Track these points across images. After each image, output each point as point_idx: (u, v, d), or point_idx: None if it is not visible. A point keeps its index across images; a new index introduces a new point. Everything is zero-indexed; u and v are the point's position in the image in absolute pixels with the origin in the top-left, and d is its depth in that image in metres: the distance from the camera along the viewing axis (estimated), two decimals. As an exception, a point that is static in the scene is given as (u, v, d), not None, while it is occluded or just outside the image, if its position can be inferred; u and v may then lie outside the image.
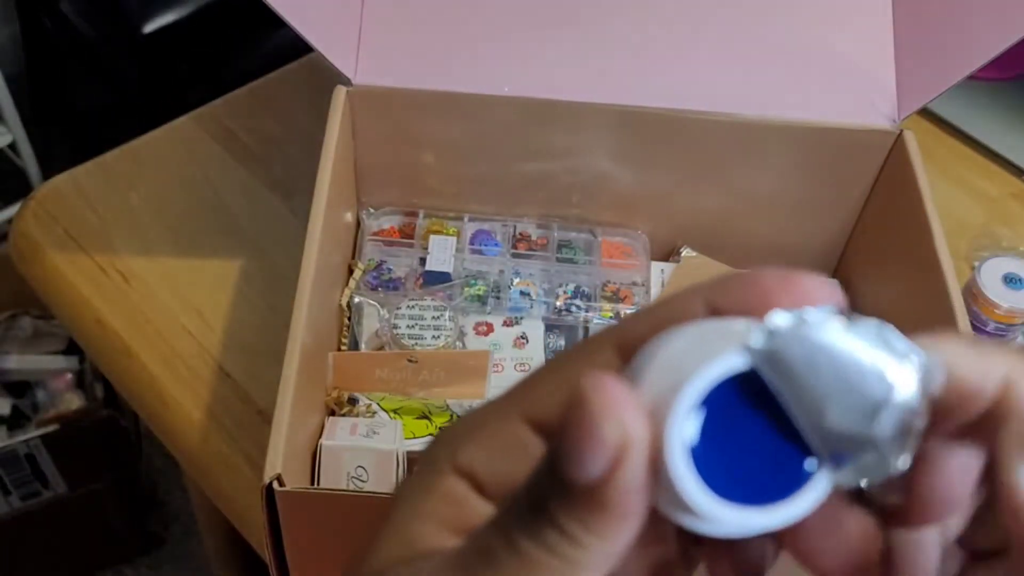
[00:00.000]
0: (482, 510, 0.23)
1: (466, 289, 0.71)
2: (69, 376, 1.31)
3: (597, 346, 0.23)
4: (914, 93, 0.66)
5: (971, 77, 0.63)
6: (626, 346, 0.23)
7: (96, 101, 1.12)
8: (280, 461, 0.49)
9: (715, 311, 0.22)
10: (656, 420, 0.20)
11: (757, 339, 0.21)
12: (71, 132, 1.18)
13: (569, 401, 0.20)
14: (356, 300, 0.69)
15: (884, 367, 0.21)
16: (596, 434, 0.20)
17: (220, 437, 0.67)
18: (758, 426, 0.21)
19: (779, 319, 0.21)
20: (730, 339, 0.21)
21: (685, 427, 0.20)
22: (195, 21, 1.02)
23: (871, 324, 0.21)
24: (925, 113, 0.86)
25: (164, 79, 1.04)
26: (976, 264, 0.70)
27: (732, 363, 0.21)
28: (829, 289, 0.22)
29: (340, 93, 0.66)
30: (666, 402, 0.20)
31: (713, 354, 0.21)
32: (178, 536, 1.42)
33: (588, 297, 0.71)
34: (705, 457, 0.21)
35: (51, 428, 1.24)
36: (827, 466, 0.21)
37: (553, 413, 0.23)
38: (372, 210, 0.74)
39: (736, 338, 0.21)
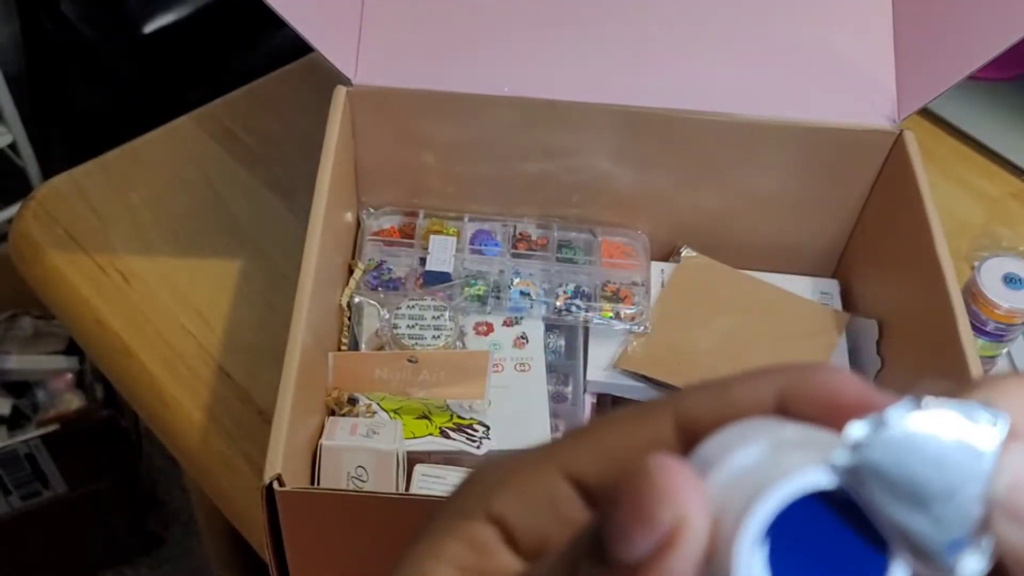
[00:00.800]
0: (508, 563, 0.22)
1: (466, 289, 0.71)
2: (69, 376, 1.31)
3: (655, 414, 0.22)
4: (914, 93, 0.66)
5: (971, 77, 0.63)
6: (685, 422, 0.22)
7: (96, 101, 1.12)
8: (280, 461, 0.49)
9: (783, 407, 0.21)
10: (721, 525, 0.20)
11: (842, 456, 0.20)
12: (71, 132, 1.18)
13: (628, 470, 0.19)
14: (356, 300, 0.69)
15: (976, 444, 0.20)
16: (651, 512, 0.18)
17: (220, 437, 0.67)
18: (833, 542, 0.20)
19: (858, 430, 0.20)
20: (809, 452, 0.20)
21: (756, 543, 0.20)
22: (195, 21, 1.02)
23: (946, 405, 0.20)
24: (925, 113, 0.86)
25: (164, 79, 1.04)
26: (976, 264, 0.70)
27: (811, 479, 0.20)
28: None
29: (340, 93, 0.66)
30: (735, 512, 0.20)
31: (791, 468, 0.20)
32: (178, 536, 1.42)
33: (588, 297, 0.71)
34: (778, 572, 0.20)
35: (51, 428, 1.24)
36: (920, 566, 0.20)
37: (596, 474, 0.22)
38: (372, 210, 0.74)
39: (815, 451, 0.20)
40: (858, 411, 0.20)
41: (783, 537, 0.20)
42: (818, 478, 0.20)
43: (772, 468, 0.20)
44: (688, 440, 0.21)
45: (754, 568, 0.19)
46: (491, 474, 0.23)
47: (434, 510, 0.24)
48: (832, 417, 0.21)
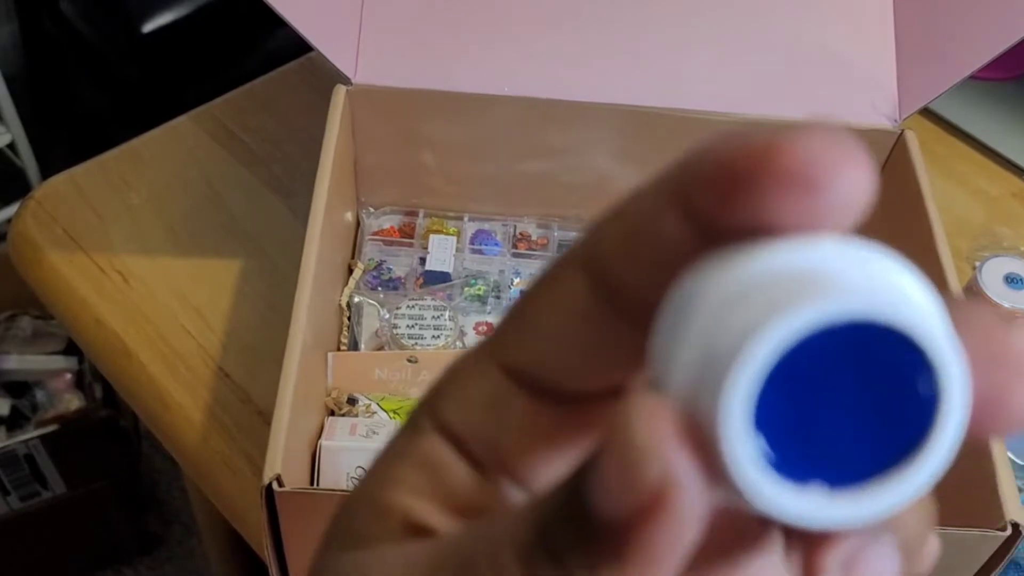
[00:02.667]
0: (467, 478, 0.20)
1: (466, 289, 0.71)
2: (68, 376, 1.31)
3: (564, 273, 0.19)
4: (915, 93, 0.66)
5: (972, 77, 0.63)
6: (595, 268, 0.19)
7: (95, 100, 1.12)
8: (279, 461, 0.48)
9: (693, 212, 0.17)
10: (702, 399, 0.16)
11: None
12: (70, 132, 1.18)
13: (610, 425, 0.16)
14: (356, 300, 0.69)
15: None
16: (632, 470, 0.16)
17: (220, 437, 0.67)
18: (845, 391, 0.16)
19: None
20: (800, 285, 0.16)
21: (746, 412, 0.16)
22: (195, 20, 1.02)
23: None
24: (926, 113, 0.86)
25: (163, 78, 1.04)
26: (977, 264, 0.70)
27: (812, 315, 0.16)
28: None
29: (340, 92, 0.65)
30: (707, 400, 0.16)
31: (782, 308, 0.16)
32: (178, 536, 1.42)
33: (588, 297, 0.71)
34: (777, 436, 0.16)
35: (50, 428, 1.24)
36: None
37: (529, 360, 0.20)
38: (372, 210, 0.74)
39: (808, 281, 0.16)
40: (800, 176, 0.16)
41: (781, 408, 0.16)
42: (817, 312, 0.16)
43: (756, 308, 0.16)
44: (605, 283, 0.19)
45: (753, 465, 0.16)
46: (438, 383, 0.21)
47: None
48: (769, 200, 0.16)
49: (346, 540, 0.20)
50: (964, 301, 0.17)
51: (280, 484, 0.48)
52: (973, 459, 0.53)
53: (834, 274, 0.16)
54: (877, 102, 0.67)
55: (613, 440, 0.16)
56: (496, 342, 0.20)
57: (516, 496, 0.20)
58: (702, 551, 0.17)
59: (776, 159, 0.16)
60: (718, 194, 0.17)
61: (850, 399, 0.16)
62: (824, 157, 0.16)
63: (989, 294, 0.67)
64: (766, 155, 0.16)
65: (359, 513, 0.21)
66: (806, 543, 0.18)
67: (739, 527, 0.20)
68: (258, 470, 0.49)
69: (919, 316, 0.16)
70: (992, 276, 0.68)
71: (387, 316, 0.68)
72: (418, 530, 0.20)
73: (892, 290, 0.17)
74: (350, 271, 0.71)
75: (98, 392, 1.30)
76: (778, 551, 0.20)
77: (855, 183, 0.16)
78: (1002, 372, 0.17)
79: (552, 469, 0.20)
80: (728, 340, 0.16)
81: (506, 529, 0.18)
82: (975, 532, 0.50)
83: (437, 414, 0.20)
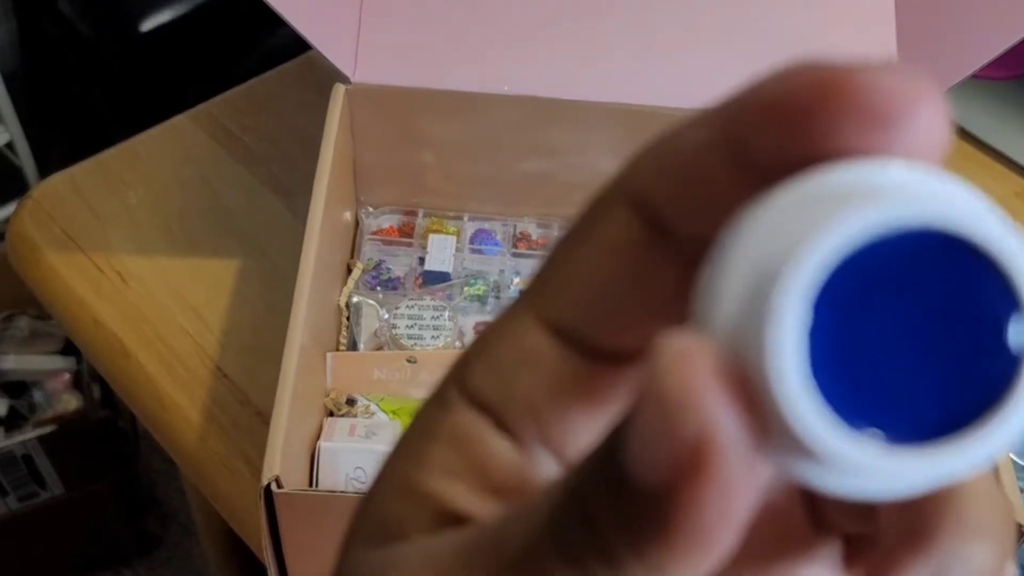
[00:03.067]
0: (502, 452, 0.18)
1: (466, 289, 0.70)
2: (66, 376, 1.31)
3: (606, 210, 0.17)
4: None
5: (974, 76, 0.63)
6: (640, 201, 0.17)
7: (93, 99, 1.12)
8: (278, 462, 0.48)
9: (749, 150, 0.16)
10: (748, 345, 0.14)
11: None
12: (68, 131, 1.17)
13: (646, 371, 0.14)
14: (355, 300, 0.69)
15: None
16: (669, 425, 0.14)
17: (218, 438, 0.67)
18: (907, 322, 0.14)
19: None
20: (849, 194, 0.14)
21: (798, 334, 0.14)
22: (193, 19, 1.01)
23: None
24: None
25: (162, 77, 1.04)
26: None
27: (862, 225, 0.13)
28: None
29: (339, 91, 0.65)
30: (762, 310, 0.14)
31: (829, 218, 0.14)
32: (176, 537, 1.41)
33: (589, 297, 0.70)
34: (835, 377, 0.14)
35: (48, 429, 1.24)
36: None
37: (568, 309, 0.18)
38: (371, 209, 0.74)
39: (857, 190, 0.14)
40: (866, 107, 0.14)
41: (832, 323, 0.14)
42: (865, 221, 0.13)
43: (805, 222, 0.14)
44: (655, 217, 0.17)
45: (806, 400, 0.13)
46: (471, 348, 0.19)
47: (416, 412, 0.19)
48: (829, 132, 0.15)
49: (374, 534, 0.18)
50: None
51: (279, 485, 0.48)
52: None
53: (903, 185, 0.14)
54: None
55: (645, 390, 0.14)
56: (534, 293, 0.18)
57: (555, 471, 0.18)
58: (744, 553, 0.15)
59: (848, 90, 0.14)
60: (778, 130, 0.15)
61: (917, 331, 0.14)
62: (901, 90, 0.14)
63: None
64: (836, 86, 0.15)
65: (387, 502, 0.19)
66: (879, 556, 0.16)
67: (787, 530, 0.18)
68: (257, 471, 0.49)
69: (1007, 236, 0.14)
70: None
71: (386, 316, 0.67)
72: (453, 518, 0.18)
73: (973, 206, 0.14)
74: (349, 271, 0.71)
75: (96, 392, 1.30)
76: (831, 561, 0.18)
77: (932, 121, 0.15)
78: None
79: (593, 436, 0.18)
80: (775, 258, 0.14)
81: (539, 507, 0.16)
82: None
83: (465, 383, 0.18)
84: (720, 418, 0.14)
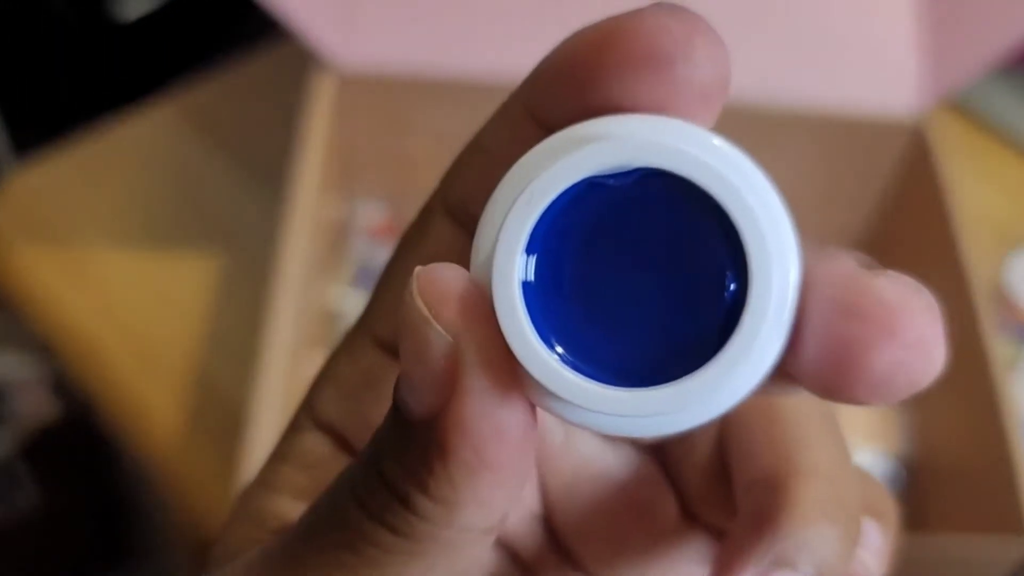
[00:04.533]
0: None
1: (460, 287, 0.68)
2: (45, 380, 1.29)
3: (429, 223, 0.18)
4: (939, 80, 0.64)
5: (1000, 64, 0.61)
6: (461, 210, 0.18)
7: (71, 90, 1.11)
8: (256, 469, 0.46)
9: (548, 121, 0.16)
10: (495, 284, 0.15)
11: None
12: (45, 122, 1.16)
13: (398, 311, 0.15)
14: (343, 298, 0.67)
15: None
16: (422, 342, 0.14)
17: (199, 444, 0.65)
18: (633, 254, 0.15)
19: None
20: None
21: (517, 270, 0.14)
22: (174, 5, 1.01)
23: None
24: (949, 102, 0.83)
25: (142, 67, 1.03)
26: (1003, 262, 0.68)
27: (586, 164, 0.14)
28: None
29: (325, 79, 0.63)
30: (496, 244, 0.15)
31: (557, 157, 0.14)
32: (157, 548, 1.40)
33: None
34: (558, 316, 0.15)
35: (27, 434, 1.23)
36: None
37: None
38: (359, 203, 0.72)
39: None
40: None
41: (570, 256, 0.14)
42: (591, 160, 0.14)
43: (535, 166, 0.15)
44: (466, 220, 0.17)
45: (517, 310, 0.14)
46: (320, 370, 0.20)
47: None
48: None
49: (220, 558, 0.18)
50: (820, 245, 0.15)
51: None
52: (993, 462, 0.52)
53: (639, 132, 0.14)
54: (898, 90, 0.64)
55: (400, 319, 0.14)
56: (369, 313, 0.19)
57: None
58: (616, 546, 0.17)
59: (619, 41, 0.15)
60: (567, 92, 0.15)
61: (640, 271, 0.15)
62: (670, 31, 0.14)
63: (1015, 293, 0.65)
64: (608, 40, 0.15)
65: (237, 527, 0.19)
66: (729, 545, 0.17)
67: (656, 525, 0.19)
68: (240, 479, 0.48)
69: (733, 180, 0.14)
70: (1018, 275, 0.66)
71: None
72: None
73: (706, 151, 0.14)
74: (336, 268, 0.69)
75: (76, 398, 1.28)
76: (703, 554, 0.19)
77: (707, 57, 0.14)
78: (858, 326, 0.14)
79: None
80: (507, 199, 0.15)
81: (344, 473, 0.16)
82: (995, 538, 0.49)
83: (314, 406, 0.19)
84: (464, 330, 0.14)
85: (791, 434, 0.17)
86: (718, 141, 0.15)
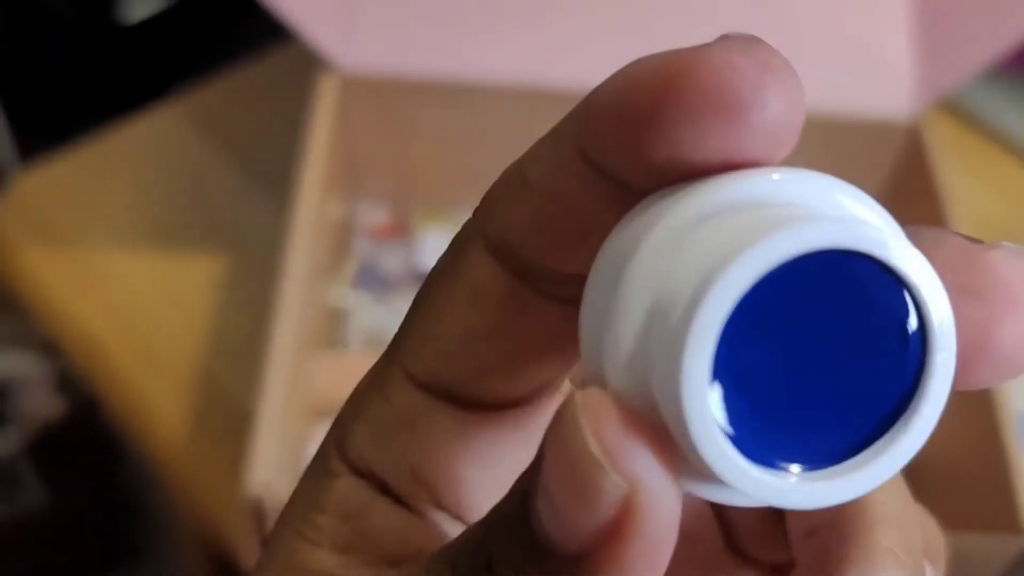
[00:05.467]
0: (392, 520, 0.17)
1: (462, 288, 0.68)
2: (51, 379, 1.29)
3: (464, 256, 0.16)
4: (934, 81, 0.64)
5: (998, 69, 0.61)
6: (502, 244, 0.16)
7: (76, 92, 1.11)
8: (263, 471, 0.47)
9: (600, 163, 0.14)
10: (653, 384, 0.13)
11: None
12: (50, 123, 1.16)
13: (545, 437, 0.13)
14: (346, 299, 0.67)
15: None
16: (590, 486, 0.13)
17: (205, 444, 0.65)
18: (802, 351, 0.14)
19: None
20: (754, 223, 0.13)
21: (707, 376, 0.13)
22: (178, 8, 1.00)
23: None
24: (944, 104, 0.83)
25: (146, 69, 1.03)
26: None
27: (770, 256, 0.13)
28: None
29: (329, 81, 0.63)
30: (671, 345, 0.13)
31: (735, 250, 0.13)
32: (163, 546, 1.40)
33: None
34: (749, 413, 0.13)
35: (32, 433, 1.23)
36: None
37: (433, 365, 0.17)
38: (363, 203, 0.72)
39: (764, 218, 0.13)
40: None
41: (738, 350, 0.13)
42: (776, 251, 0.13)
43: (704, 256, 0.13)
44: (517, 260, 0.16)
45: (720, 442, 0.13)
46: (342, 412, 0.18)
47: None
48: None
49: None
50: (922, 228, 0.15)
51: (266, 494, 0.46)
52: (989, 461, 0.52)
53: (793, 201, 0.14)
54: (893, 92, 0.65)
55: (553, 452, 0.13)
56: (400, 346, 0.17)
57: (453, 531, 0.18)
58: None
59: (684, 83, 0.13)
60: (625, 137, 0.14)
61: (821, 352, 0.14)
62: (741, 71, 0.13)
63: None
64: (671, 81, 0.13)
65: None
66: None
67: (705, 559, 0.18)
68: (245, 479, 0.48)
69: (897, 247, 0.13)
70: None
71: (379, 316, 0.66)
72: None
73: (862, 217, 0.14)
74: (340, 269, 0.69)
75: (82, 395, 1.28)
76: None
77: (781, 99, 0.13)
78: (980, 305, 0.14)
79: (489, 490, 0.18)
80: (676, 290, 0.13)
81: (446, 564, 0.15)
82: (992, 537, 0.49)
83: (346, 449, 0.17)
84: (643, 467, 0.13)
85: None
86: (872, 205, 0.15)
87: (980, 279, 0.14)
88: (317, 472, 0.18)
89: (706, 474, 0.13)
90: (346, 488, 0.17)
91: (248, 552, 0.49)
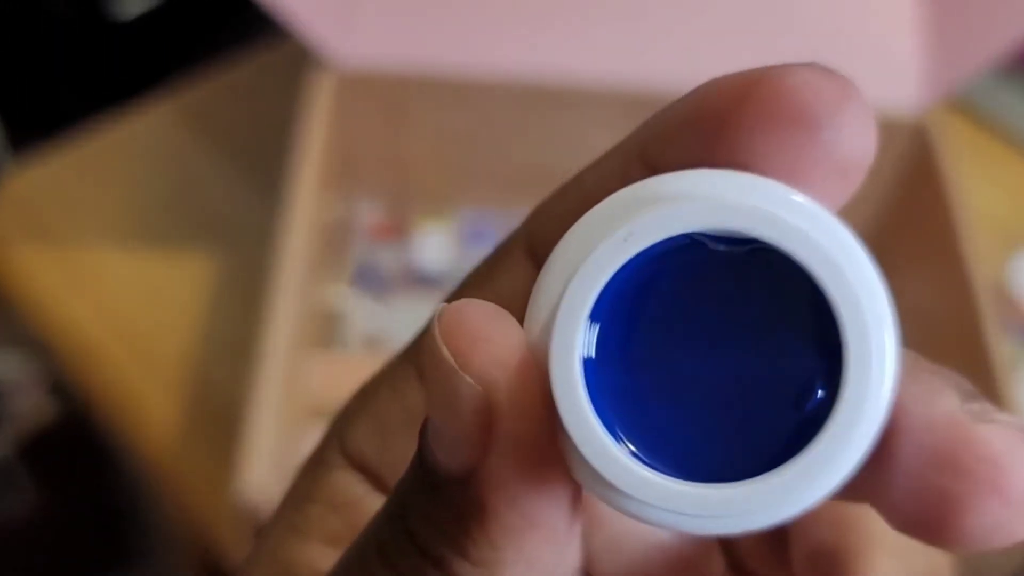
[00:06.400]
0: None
1: (460, 287, 0.68)
2: (42, 380, 1.28)
3: (506, 260, 0.17)
4: (942, 76, 0.63)
5: (1005, 63, 0.60)
6: (541, 245, 0.16)
7: (70, 88, 1.11)
8: (257, 472, 0.46)
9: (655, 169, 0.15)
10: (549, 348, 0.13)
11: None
12: (43, 120, 1.16)
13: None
14: (343, 299, 0.67)
15: None
16: (451, 394, 0.13)
17: (198, 445, 0.65)
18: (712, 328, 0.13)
19: None
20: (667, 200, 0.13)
21: (579, 344, 0.13)
22: (173, 4, 1.00)
23: None
24: (953, 100, 0.82)
25: (141, 65, 1.03)
26: (1006, 262, 0.67)
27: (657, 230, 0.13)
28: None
29: (324, 78, 0.63)
30: (555, 312, 0.13)
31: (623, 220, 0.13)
32: (154, 548, 1.39)
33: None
34: (624, 393, 0.13)
35: (24, 435, 1.22)
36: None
37: None
38: (359, 202, 0.72)
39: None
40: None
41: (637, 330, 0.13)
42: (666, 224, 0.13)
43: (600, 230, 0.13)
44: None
45: (577, 393, 0.13)
46: (351, 403, 0.18)
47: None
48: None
49: None
50: (923, 363, 0.14)
51: (256, 497, 0.46)
52: None
53: (720, 192, 0.13)
54: (900, 87, 0.64)
55: (426, 369, 0.13)
56: (415, 348, 0.18)
57: None
58: None
59: (764, 93, 0.13)
60: (691, 140, 0.14)
61: (722, 355, 0.13)
62: (821, 92, 0.13)
63: (1018, 294, 0.65)
64: (750, 90, 0.13)
65: (264, 573, 0.17)
66: None
67: None
68: (237, 480, 0.48)
69: (851, 278, 0.13)
70: (1022, 276, 0.66)
71: (377, 315, 0.66)
72: None
73: (803, 217, 0.13)
74: (336, 268, 0.69)
75: (72, 398, 1.28)
76: None
77: (856, 128, 0.13)
78: (958, 481, 0.13)
79: None
80: (569, 268, 0.13)
81: (365, 532, 0.15)
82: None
83: (346, 442, 0.17)
84: (494, 372, 0.13)
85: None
86: (843, 230, 0.13)
87: (965, 453, 0.13)
88: (314, 463, 0.18)
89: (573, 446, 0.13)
90: (341, 480, 0.17)
91: (240, 554, 0.49)
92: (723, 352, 0.13)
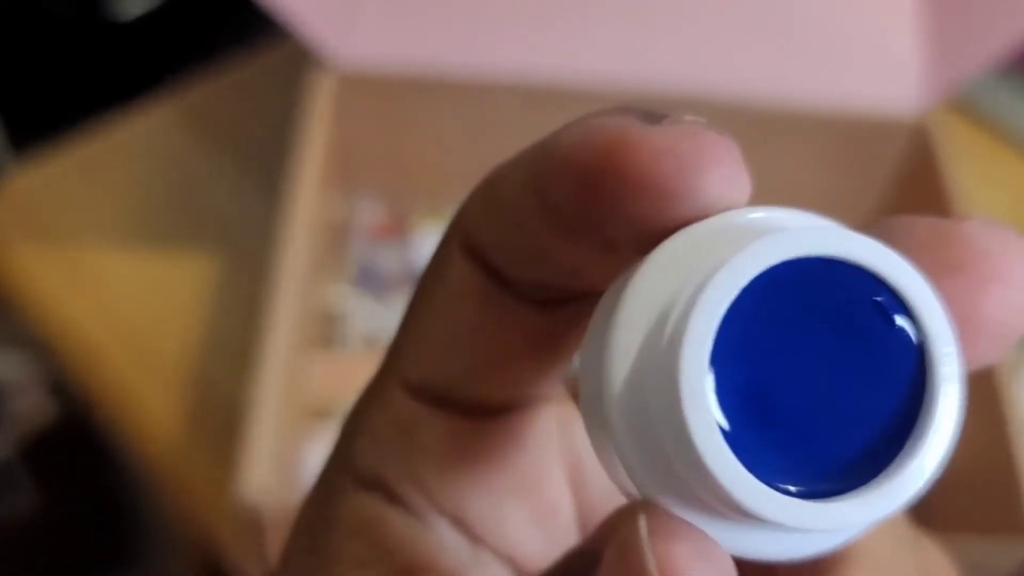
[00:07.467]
0: (405, 530, 0.17)
1: (460, 288, 0.68)
2: (43, 381, 1.28)
3: (447, 258, 0.17)
4: (942, 76, 0.63)
5: (1005, 64, 0.60)
6: (476, 250, 0.16)
7: (70, 88, 1.11)
8: (258, 473, 0.46)
9: (556, 208, 0.15)
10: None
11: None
12: (43, 121, 1.16)
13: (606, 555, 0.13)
14: (343, 299, 0.67)
15: None
16: None
17: (199, 446, 0.65)
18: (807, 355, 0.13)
19: None
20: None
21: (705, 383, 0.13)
22: (173, 4, 1.00)
23: None
24: (953, 100, 0.83)
25: (142, 65, 1.03)
26: None
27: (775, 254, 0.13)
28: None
29: (324, 78, 0.63)
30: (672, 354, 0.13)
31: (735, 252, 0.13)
32: (155, 549, 1.39)
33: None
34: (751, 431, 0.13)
35: (24, 435, 1.22)
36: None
37: (424, 369, 0.17)
38: (359, 202, 0.71)
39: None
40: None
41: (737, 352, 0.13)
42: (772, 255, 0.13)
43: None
44: (485, 264, 0.16)
45: (736, 469, 0.13)
46: (344, 426, 0.18)
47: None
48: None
49: None
50: (891, 218, 0.15)
51: (258, 498, 0.46)
52: (996, 464, 0.51)
53: (770, 222, 0.14)
54: (901, 87, 0.64)
55: (617, 570, 0.13)
56: (394, 354, 0.18)
57: (456, 540, 0.18)
58: None
59: (624, 158, 0.14)
60: (574, 188, 0.14)
61: (820, 369, 0.13)
62: (679, 156, 0.14)
63: None
64: (612, 152, 0.14)
65: None
66: None
67: None
68: (238, 481, 0.47)
69: (883, 253, 0.13)
70: None
71: (377, 317, 0.66)
72: None
73: (842, 230, 0.14)
74: (336, 269, 0.68)
75: (73, 399, 1.28)
76: None
77: (722, 183, 0.14)
78: (964, 278, 0.14)
79: (486, 499, 0.18)
80: (669, 307, 0.13)
81: None
82: (998, 539, 0.49)
83: (352, 462, 0.18)
84: None
85: None
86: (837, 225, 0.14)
87: (959, 253, 0.14)
88: (325, 490, 0.18)
89: (713, 499, 0.13)
90: (355, 504, 0.17)
91: (240, 555, 0.49)
92: (821, 370, 0.13)
